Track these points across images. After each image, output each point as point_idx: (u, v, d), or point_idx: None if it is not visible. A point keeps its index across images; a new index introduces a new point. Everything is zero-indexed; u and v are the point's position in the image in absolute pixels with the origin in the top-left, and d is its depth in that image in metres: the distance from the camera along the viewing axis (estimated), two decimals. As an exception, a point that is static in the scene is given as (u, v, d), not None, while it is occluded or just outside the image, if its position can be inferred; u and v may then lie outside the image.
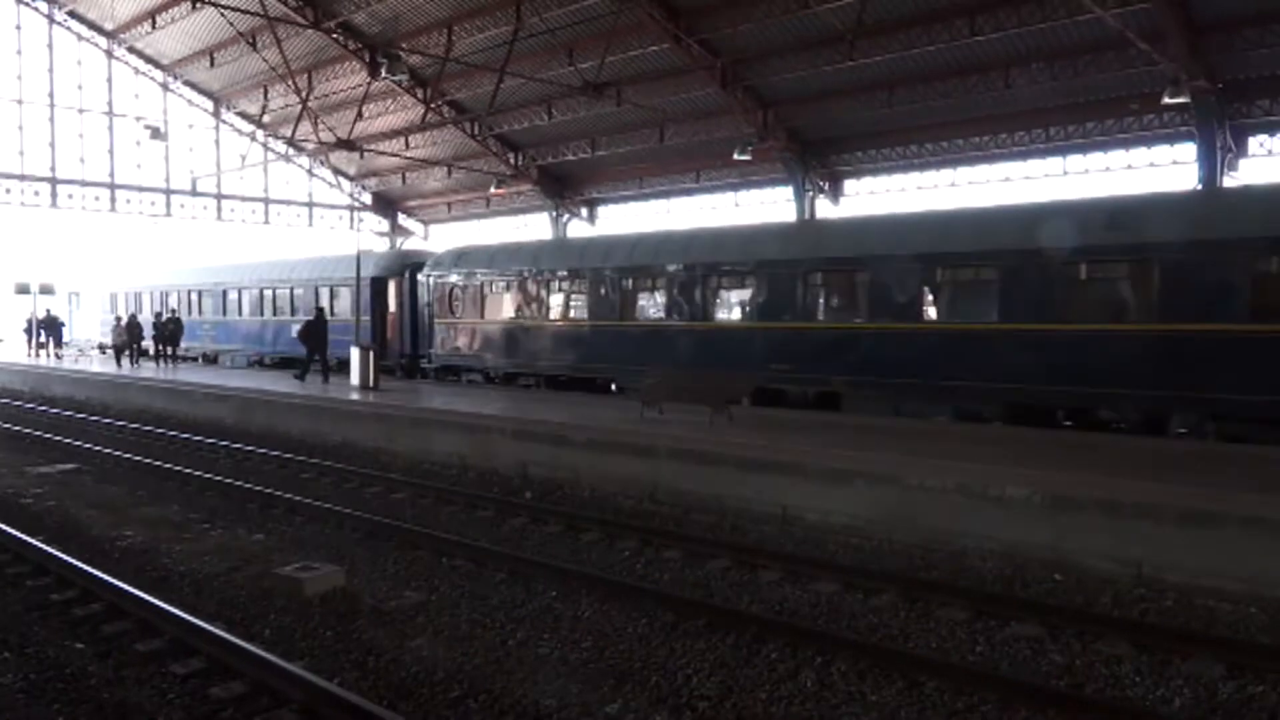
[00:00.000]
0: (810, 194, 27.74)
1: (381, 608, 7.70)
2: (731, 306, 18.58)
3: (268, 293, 29.85)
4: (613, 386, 20.31)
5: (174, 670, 6.36)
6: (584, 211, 34.75)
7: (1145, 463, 10.52)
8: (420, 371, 25.20)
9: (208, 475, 13.24)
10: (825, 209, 28.02)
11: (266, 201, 39.24)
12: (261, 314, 30.12)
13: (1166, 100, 19.16)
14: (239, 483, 12.70)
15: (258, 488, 12.32)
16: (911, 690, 6.11)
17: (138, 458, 14.82)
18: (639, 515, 11.14)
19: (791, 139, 27.04)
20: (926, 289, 15.47)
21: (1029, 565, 8.64)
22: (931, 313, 15.54)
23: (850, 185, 28.41)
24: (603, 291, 19.83)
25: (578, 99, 26.42)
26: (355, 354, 20.56)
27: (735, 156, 26.21)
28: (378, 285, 25.85)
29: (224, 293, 32.11)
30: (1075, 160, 23.99)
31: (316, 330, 22.23)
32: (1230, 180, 20.68)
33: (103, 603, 7.61)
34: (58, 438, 17.19)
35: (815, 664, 6.52)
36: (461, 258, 23.67)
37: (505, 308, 22.20)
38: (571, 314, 20.90)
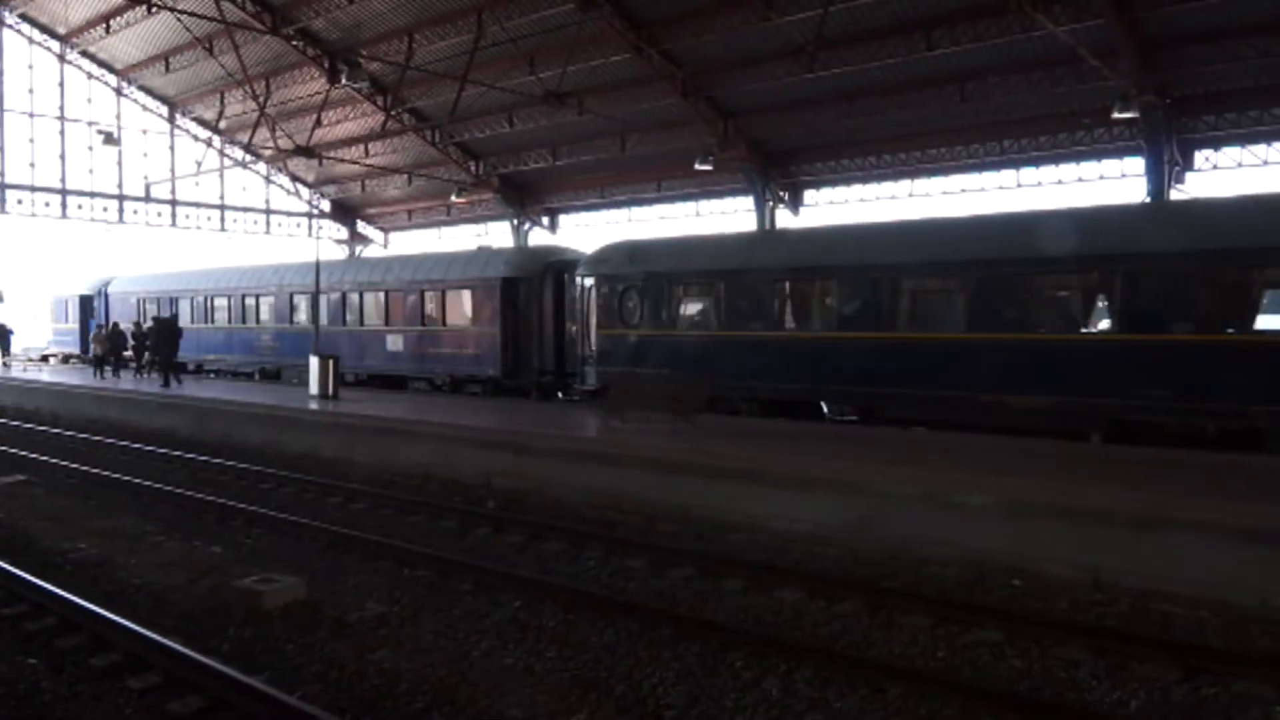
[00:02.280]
0: (771, 204, 27.94)
1: (343, 619, 7.61)
2: (1089, 312, 14.34)
3: (353, 298, 25.46)
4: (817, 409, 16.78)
5: (130, 685, 6.23)
6: (545, 220, 34.70)
7: (1108, 470, 10.72)
8: (566, 393, 21.15)
9: (162, 486, 12.99)
10: (785, 219, 28.24)
11: (223, 208, 38.66)
12: (343, 323, 25.55)
13: (1116, 115, 19.56)
14: (195, 494, 12.49)
15: (214, 498, 12.11)
16: (875, 697, 6.16)
17: (89, 468, 14.51)
18: (604, 524, 11.12)
19: (752, 149, 27.21)
20: None
21: (990, 571, 8.75)
22: None
23: (810, 195, 28.68)
24: (865, 295, 15.77)
25: (539, 108, 26.39)
26: (314, 363, 20.30)
27: (697, 166, 26.33)
28: (509, 289, 21.55)
29: (290, 296, 27.59)
30: (1029, 173, 24.44)
31: (168, 332, 23.50)
32: (1177, 193, 21.18)
33: (55, 617, 7.43)
34: (5, 448, 16.77)
35: (780, 671, 6.55)
36: (638, 254, 19.37)
37: (705, 315, 18.24)
38: (813, 323, 16.87)
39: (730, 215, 30.31)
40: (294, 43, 28.40)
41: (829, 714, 5.95)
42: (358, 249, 40.30)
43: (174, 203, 37.51)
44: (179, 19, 25.66)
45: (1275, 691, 6.13)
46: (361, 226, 40.93)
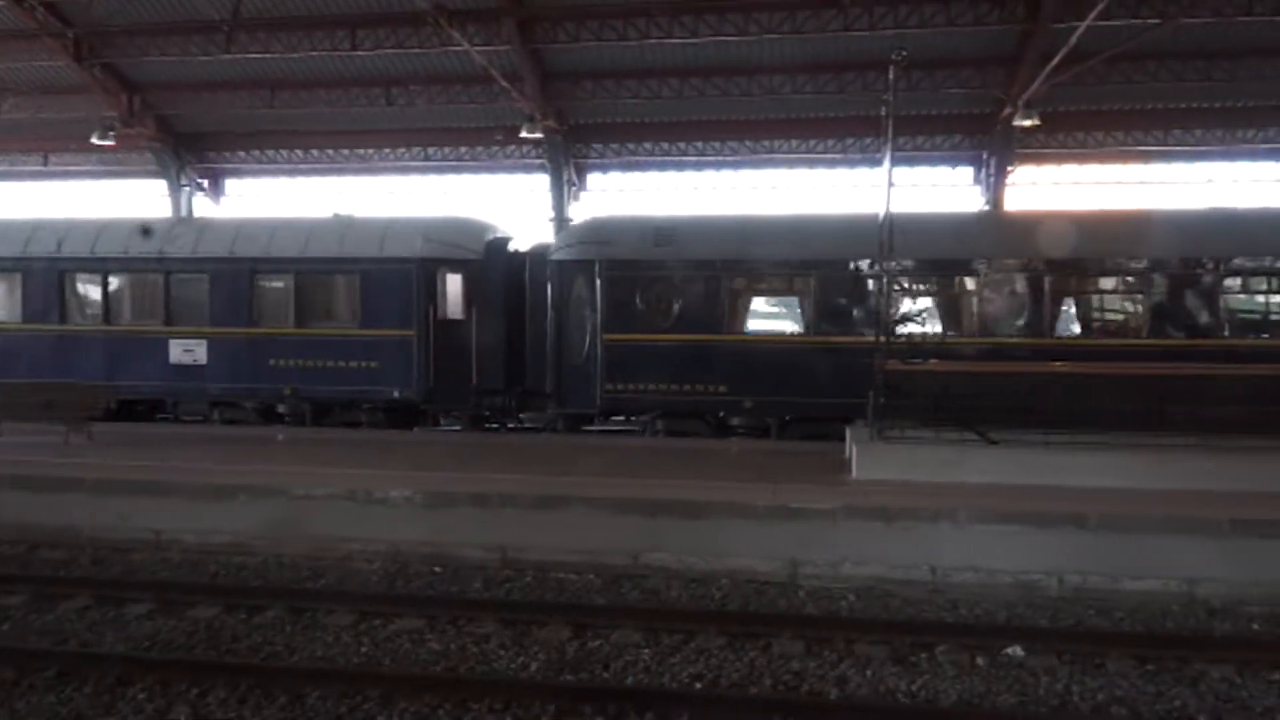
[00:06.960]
0: (189, 190, 25.79)
1: None
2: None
3: (81, 280, 16.39)
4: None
5: None
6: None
7: (531, 456, 11.79)
8: (529, 418, 16.16)
9: None
10: (205, 208, 26.25)
11: None
12: (59, 320, 16.33)
13: (524, 134, 21.63)
14: None
15: None
16: (294, 704, 6.07)
17: None
18: (-35, 560, 9.34)
19: (163, 128, 24.84)
20: None
21: (412, 561, 9.13)
22: None
23: (232, 185, 27.04)
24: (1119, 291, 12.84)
25: None
26: None
27: (94, 141, 23.20)
28: (429, 274, 15.45)
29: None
30: (452, 180, 25.82)
31: None
32: (573, 209, 24.06)
33: None
34: None
35: (190, 697, 6.13)
36: (667, 234, 14.87)
37: (783, 317, 14.85)
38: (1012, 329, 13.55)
39: (141, 199, 27.28)
40: None
41: (246, 731, 5.73)
42: None
43: None
44: None
45: (642, 636, 7.30)
46: None
